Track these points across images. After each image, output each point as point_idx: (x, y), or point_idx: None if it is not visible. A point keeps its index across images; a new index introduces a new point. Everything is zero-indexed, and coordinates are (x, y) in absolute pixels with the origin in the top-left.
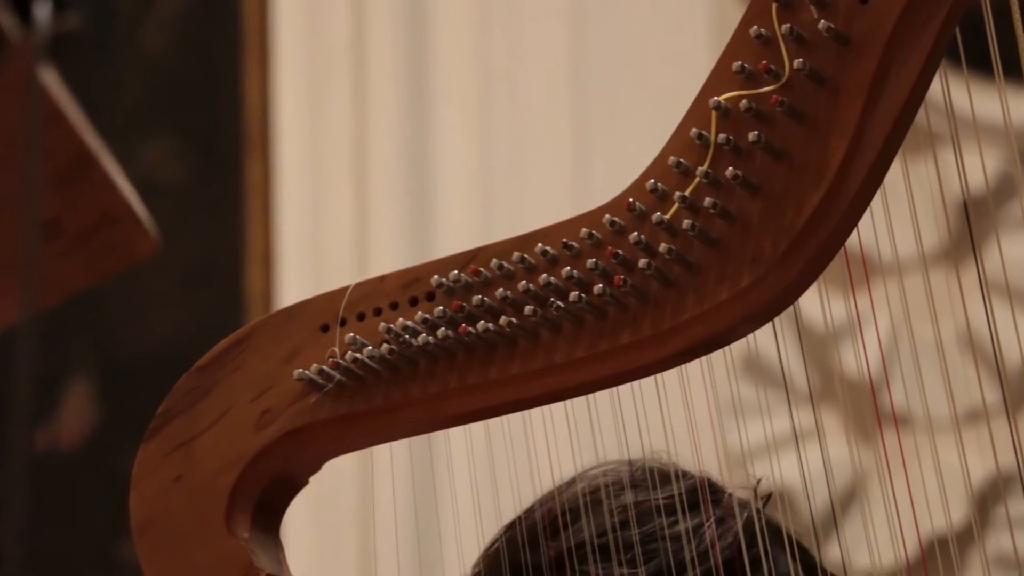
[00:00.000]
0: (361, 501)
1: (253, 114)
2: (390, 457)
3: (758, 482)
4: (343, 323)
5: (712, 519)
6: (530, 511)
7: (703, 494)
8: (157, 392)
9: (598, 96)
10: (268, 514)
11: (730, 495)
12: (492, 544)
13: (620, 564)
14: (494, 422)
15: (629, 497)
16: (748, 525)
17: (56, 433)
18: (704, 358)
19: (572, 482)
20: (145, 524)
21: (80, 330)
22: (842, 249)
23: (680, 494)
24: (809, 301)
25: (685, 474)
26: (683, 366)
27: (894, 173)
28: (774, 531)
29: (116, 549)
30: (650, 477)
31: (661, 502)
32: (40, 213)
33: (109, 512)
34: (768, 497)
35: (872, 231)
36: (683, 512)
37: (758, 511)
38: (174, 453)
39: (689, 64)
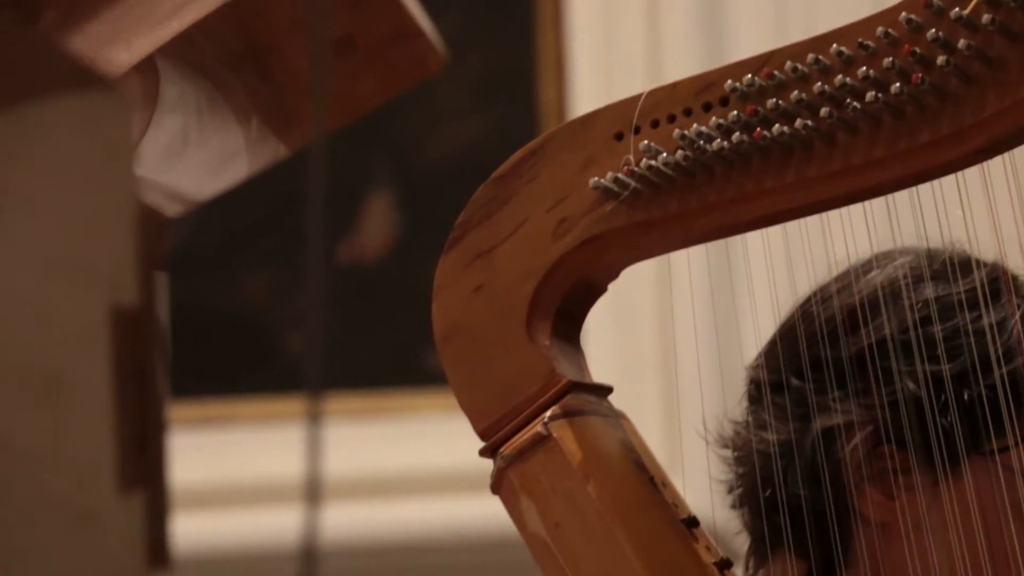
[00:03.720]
0: (660, 307)
1: None
2: (687, 263)
3: None
4: (637, 131)
5: (1019, 314)
6: (827, 298)
7: (1006, 281)
8: (454, 203)
9: None
10: (568, 322)
11: None
12: (788, 324)
13: (923, 361)
14: (791, 225)
15: (929, 291)
16: None
17: (360, 245)
18: (1007, 154)
19: (868, 268)
20: (448, 333)
21: (379, 144)
22: None
23: (982, 285)
24: None
25: (983, 263)
26: (985, 163)
27: None
28: None
29: (422, 357)
30: (948, 267)
31: (964, 296)
32: (334, 31)
33: (414, 321)
34: None
35: None
36: (986, 306)
37: None
38: (474, 263)
39: None
